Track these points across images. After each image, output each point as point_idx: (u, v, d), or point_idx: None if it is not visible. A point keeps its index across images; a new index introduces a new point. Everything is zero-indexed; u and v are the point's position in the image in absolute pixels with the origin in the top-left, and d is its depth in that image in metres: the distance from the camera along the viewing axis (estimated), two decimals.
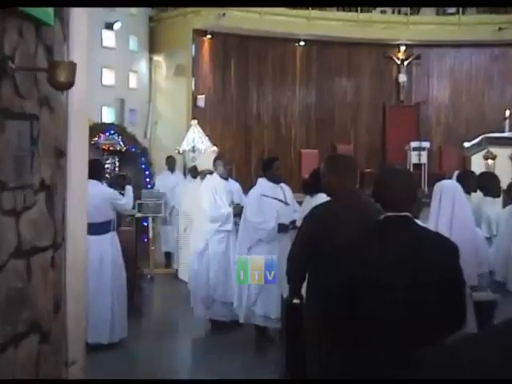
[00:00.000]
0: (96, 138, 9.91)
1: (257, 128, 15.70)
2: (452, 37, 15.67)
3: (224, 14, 13.90)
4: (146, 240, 9.65)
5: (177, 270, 9.60)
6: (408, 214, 2.89)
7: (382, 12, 16.11)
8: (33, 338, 2.63)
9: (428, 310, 2.71)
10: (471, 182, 5.81)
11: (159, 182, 10.78)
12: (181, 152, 12.14)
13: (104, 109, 13.24)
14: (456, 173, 6.47)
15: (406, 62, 16.34)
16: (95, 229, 5.52)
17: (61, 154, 3.06)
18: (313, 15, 15.18)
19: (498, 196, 7.37)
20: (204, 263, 6.77)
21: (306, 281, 4.02)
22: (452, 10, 15.96)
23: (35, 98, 2.65)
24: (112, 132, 10.66)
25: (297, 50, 15.90)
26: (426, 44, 16.08)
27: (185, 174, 10.94)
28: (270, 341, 6.23)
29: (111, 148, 10.35)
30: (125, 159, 10.20)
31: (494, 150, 12.04)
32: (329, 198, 4.17)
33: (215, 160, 7.41)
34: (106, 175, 8.19)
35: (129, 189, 6.68)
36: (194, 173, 9.29)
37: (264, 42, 15.35)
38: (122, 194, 6.54)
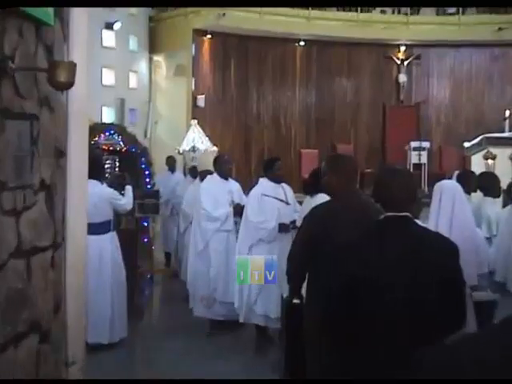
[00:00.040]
0: (96, 138, 9.90)
1: (257, 128, 15.71)
2: (452, 37, 15.67)
3: (224, 14, 13.91)
4: (146, 240, 9.64)
5: (177, 270, 9.58)
6: (408, 214, 2.89)
7: (382, 12, 16.12)
8: (33, 338, 2.63)
9: (428, 310, 2.71)
10: (471, 182, 5.81)
11: (159, 182, 10.76)
12: (181, 152, 12.14)
13: (104, 109, 13.25)
14: (456, 173, 6.46)
15: (405, 62, 16.34)
16: (95, 229, 5.51)
17: (61, 153, 3.06)
18: (313, 15, 15.18)
19: (498, 196, 7.37)
20: (204, 263, 6.76)
21: (306, 281, 4.02)
22: (452, 9, 15.97)
23: (35, 98, 2.65)
24: (112, 132, 10.64)
25: (297, 49, 15.91)
26: (425, 44, 16.08)
27: (185, 174, 10.93)
28: (270, 341, 6.23)
29: (111, 148, 10.33)
30: (125, 159, 10.18)
31: (494, 150, 12.05)
32: (329, 198, 4.17)
33: (215, 160, 7.41)
34: (106, 175, 8.18)
35: (128, 189, 6.67)
36: (194, 173, 9.28)
37: (264, 42, 15.35)
38: (122, 194, 6.54)
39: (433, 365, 0.81)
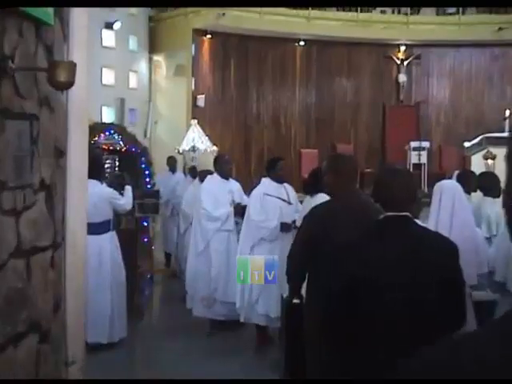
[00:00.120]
0: (96, 138, 9.90)
1: (257, 128, 15.71)
2: (452, 37, 15.67)
3: (224, 14, 13.90)
4: (146, 240, 9.64)
5: (177, 270, 9.58)
6: (408, 213, 2.89)
7: (382, 12, 16.12)
8: (32, 338, 2.63)
9: (428, 310, 2.71)
10: (471, 182, 5.81)
11: (160, 182, 10.76)
12: (180, 152, 12.14)
13: (104, 108, 13.25)
14: (456, 173, 6.47)
15: (405, 62, 16.34)
16: (94, 228, 5.51)
17: (61, 153, 3.06)
18: (313, 15, 15.18)
19: (498, 196, 7.36)
20: (205, 263, 6.77)
21: (306, 281, 4.02)
22: (452, 9, 15.97)
23: (35, 98, 2.65)
24: (112, 132, 10.64)
25: (297, 49, 15.90)
26: (425, 44, 16.08)
27: (185, 174, 10.92)
28: (270, 341, 6.23)
29: (111, 148, 10.33)
30: (125, 159, 10.18)
31: (494, 149, 12.04)
32: (329, 198, 4.17)
33: (216, 160, 7.42)
34: (106, 175, 8.17)
35: (128, 189, 6.67)
36: (194, 173, 9.28)
37: (264, 42, 15.35)
38: (122, 194, 6.53)
39: (432, 364, 0.81)
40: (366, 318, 2.77)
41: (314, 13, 15.15)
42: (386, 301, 2.72)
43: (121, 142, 10.29)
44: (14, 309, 2.43)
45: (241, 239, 6.27)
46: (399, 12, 16.20)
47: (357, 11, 15.49)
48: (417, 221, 3.29)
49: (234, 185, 7.02)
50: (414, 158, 14.96)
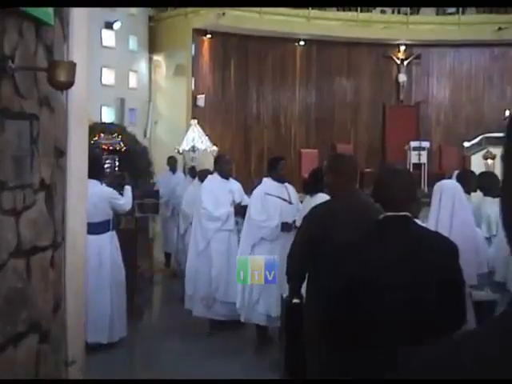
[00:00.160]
0: (96, 138, 9.90)
1: (256, 128, 15.71)
2: (452, 36, 15.67)
3: (224, 14, 13.90)
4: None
5: (178, 270, 9.57)
6: (408, 213, 2.89)
7: (382, 12, 16.12)
8: (32, 338, 2.63)
9: (428, 310, 2.71)
10: (471, 182, 5.80)
11: (161, 182, 10.77)
12: (180, 152, 12.14)
13: (104, 108, 13.25)
14: (456, 172, 6.46)
15: (405, 62, 16.34)
16: (94, 228, 5.51)
17: (61, 153, 3.06)
18: (313, 15, 15.18)
19: (498, 196, 7.35)
20: (205, 263, 6.77)
21: (306, 281, 4.02)
22: (452, 9, 15.97)
23: (35, 98, 2.65)
24: (112, 132, 10.64)
25: (297, 49, 15.90)
26: (425, 44, 16.08)
27: (185, 174, 10.93)
28: (270, 341, 6.23)
29: (111, 148, 10.33)
30: (125, 159, 10.18)
31: (494, 149, 12.04)
32: (328, 198, 4.17)
33: (216, 160, 7.42)
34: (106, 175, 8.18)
35: (127, 189, 6.67)
36: (193, 173, 9.28)
37: (264, 42, 15.35)
38: (121, 194, 6.53)
39: (432, 364, 0.81)
40: (366, 317, 2.77)
41: (313, 13, 15.15)
42: (386, 301, 2.72)
43: (121, 142, 10.30)
44: (14, 309, 2.43)
45: (242, 239, 6.28)
46: (399, 12, 16.20)
47: (357, 11, 15.48)
48: (416, 221, 3.29)
49: (235, 185, 7.03)
50: (413, 157, 14.96)
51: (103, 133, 10.33)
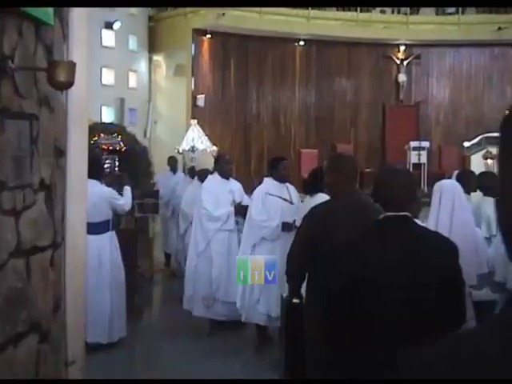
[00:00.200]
0: (96, 138, 9.91)
1: (256, 127, 15.71)
2: (451, 36, 15.67)
3: (224, 14, 13.91)
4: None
5: (178, 270, 9.57)
6: (408, 213, 2.88)
7: (382, 12, 16.13)
8: (32, 338, 2.63)
9: (428, 310, 2.71)
10: (471, 182, 5.80)
11: (161, 182, 10.77)
12: (180, 152, 12.14)
13: (104, 108, 13.25)
14: (455, 172, 6.46)
15: (405, 62, 16.34)
16: (94, 228, 5.51)
17: (60, 153, 3.06)
18: (312, 15, 15.18)
19: (498, 196, 7.36)
20: (206, 263, 6.77)
21: (306, 281, 4.02)
22: (451, 9, 15.97)
23: (35, 98, 2.65)
24: (112, 132, 10.65)
25: (296, 49, 15.90)
26: (425, 44, 16.08)
27: (186, 174, 10.92)
28: (270, 341, 6.23)
29: (111, 148, 10.34)
30: (124, 159, 10.19)
31: (494, 149, 12.05)
32: (328, 198, 4.17)
33: (216, 160, 7.42)
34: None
35: (127, 189, 6.67)
36: (192, 173, 9.27)
37: (264, 42, 15.35)
38: (121, 195, 6.53)
39: (432, 363, 0.81)
40: (365, 317, 2.77)
41: (313, 13, 15.16)
42: (386, 301, 2.72)
43: (120, 142, 10.30)
44: (13, 309, 2.43)
45: (242, 238, 6.28)
46: (399, 12, 16.20)
47: (356, 11, 15.49)
48: (416, 221, 3.29)
49: (235, 184, 7.03)
50: (413, 157, 14.96)
51: (103, 133, 10.34)
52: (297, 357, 4.15)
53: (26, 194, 2.55)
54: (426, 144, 15.16)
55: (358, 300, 2.77)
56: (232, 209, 6.72)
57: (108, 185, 6.59)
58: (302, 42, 15.75)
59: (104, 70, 13.26)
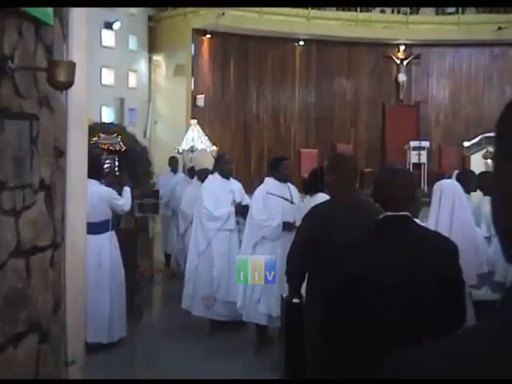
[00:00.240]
0: (96, 138, 9.90)
1: (256, 127, 15.71)
2: (451, 36, 15.68)
3: (223, 14, 13.90)
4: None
5: (178, 270, 9.57)
6: (408, 213, 2.88)
7: (382, 12, 16.13)
8: (32, 338, 2.63)
9: (428, 310, 2.71)
10: (471, 182, 5.80)
11: (162, 182, 10.77)
12: (180, 152, 12.14)
13: (103, 108, 13.25)
14: (455, 172, 6.46)
15: (405, 62, 16.34)
16: (93, 228, 5.50)
17: (60, 153, 3.06)
18: (312, 15, 15.18)
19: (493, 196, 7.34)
20: (207, 262, 6.76)
21: (306, 281, 4.02)
22: (451, 9, 15.97)
23: (35, 98, 2.65)
24: (111, 132, 10.64)
25: (296, 49, 15.90)
26: (425, 43, 16.08)
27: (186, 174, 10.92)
28: (270, 341, 6.23)
29: (111, 148, 10.33)
30: (124, 159, 10.18)
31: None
32: (328, 198, 4.17)
33: (216, 160, 7.42)
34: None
35: (126, 190, 6.67)
36: (192, 173, 9.27)
37: (264, 42, 15.35)
38: (120, 195, 6.53)
39: (432, 363, 0.80)
40: (366, 317, 2.77)
41: (313, 12, 15.16)
42: (386, 301, 2.72)
43: (120, 142, 10.29)
44: (14, 309, 2.43)
45: (244, 238, 6.29)
46: (399, 12, 16.21)
47: (356, 11, 15.49)
48: (416, 220, 3.29)
49: (235, 184, 7.03)
50: (413, 157, 14.97)
51: (103, 133, 10.33)
52: (297, 357, 4.15)
53: (26, 194, 2.55)
54: (425, 144, 15.16)
55: (358, 300, 2.77)
56: (232, 208, 6.73)
57: (108, 185, 6.59)
58: (301, 42, 15.75)
59: (104, 69, 13.26)
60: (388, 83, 16.53)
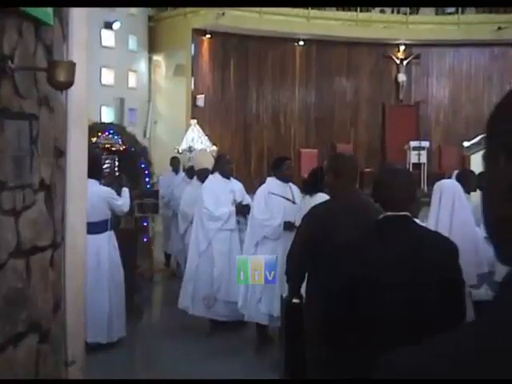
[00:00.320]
0: (95, 138, 9.89)
1: (256, 127, 15.71)
2: (451, 36, 15.68)
3: (223, 14, 13.90)
4: (145, 240, 9.65)
5: (178, 270, 9.57)
6: (407, 213, 2.88)
7: (382, 12, 16.13)
8: (32, 338, 2.63)
9: (428, 310, 2.71)
10: (471, 182, 5.80)
11: (163, 182, 10.76)
12: (180, 152, 12.14)
13: (103, 108, 13.25)
14: (455, 172, 6.46)
15: (405, 62, 16.34)
16: (92, 228, 5.49)
17: (60, 153, 3.06)
18: (312, 15, 15.18)
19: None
20: (207, 262, 6.76)
21: (306, 281, 4.02)
22: (451, 9, 15.98)
23: (34, 98, 2.64)
24: (111, 132, 10.64)
25: (296, 49, 15.90)
26: (425, 43, 16.09)
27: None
28: (270, 341, 6.23)
29: (111, 148, 10.32)
30: (124, 159, 10.17)
31: None
32: (328, 198, 4.17)
33: (217, 160, 7.43)
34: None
35: (125, 191, 6.68)
36: (191, 173, 9.27)
37: (264, 42, 15.35)
38: (119, 195, 6.54)
39: (432, 362, 0.80)
40: (366, 317, 2.77)
41: (313, 12, 15.16)
42: (386, 301, 2.72)
43: (120, 142, 10.28)
44: (13, 309, 2.43)
45: (246, 237, 6.30)
46: (398, 12, 16.21)
47: (356, 11, 15.49)
48: (416, 220, 3.29)
49: (236, 184, 7.03)
50: (413, 157, 14.97)
51: (103, 133, 10.32)
52: (297, 357, 4.15)
53: (26, 194, 2.55)
54: (425, 144, 15.17)
55: (358, 300, 2.76)
56: (233, 208, 6.73)
57: (107, 185, 6.59)
58: (301, 42, 15.76)
59: (104, 69, 13.25)
60: (388, 83, 16.53)
